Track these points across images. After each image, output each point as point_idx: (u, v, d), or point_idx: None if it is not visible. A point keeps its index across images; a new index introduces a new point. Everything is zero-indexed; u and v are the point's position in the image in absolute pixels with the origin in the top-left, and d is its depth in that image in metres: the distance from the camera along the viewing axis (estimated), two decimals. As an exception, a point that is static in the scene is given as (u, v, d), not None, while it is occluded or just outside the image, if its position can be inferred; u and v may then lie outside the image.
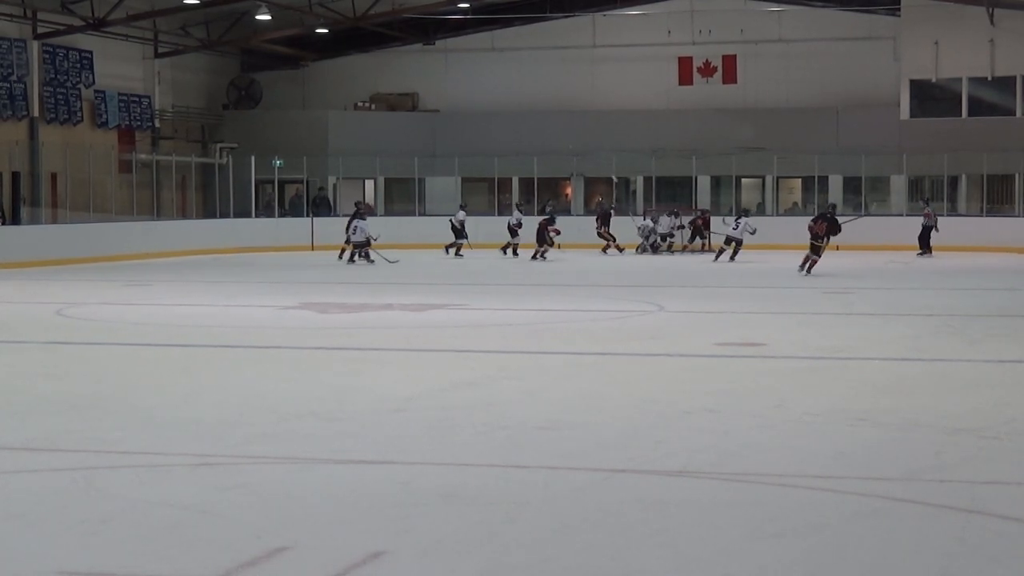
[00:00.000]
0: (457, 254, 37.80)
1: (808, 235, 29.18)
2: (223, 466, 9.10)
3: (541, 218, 37.55)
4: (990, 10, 40.72)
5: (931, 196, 42.87)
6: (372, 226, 34.25)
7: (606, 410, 11.13)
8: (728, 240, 34.36)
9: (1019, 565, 6.64)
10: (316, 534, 7.22)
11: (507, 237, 37.66)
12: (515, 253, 37.39)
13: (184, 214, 43.70)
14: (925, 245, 36.86)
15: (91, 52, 40.69)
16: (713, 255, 35.24)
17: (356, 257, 34.12)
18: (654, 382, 13.07)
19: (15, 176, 37.71)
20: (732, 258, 33.63)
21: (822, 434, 10.11)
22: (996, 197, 42.07)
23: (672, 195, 44.25)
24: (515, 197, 45.69)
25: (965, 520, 7.53)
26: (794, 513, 7.70)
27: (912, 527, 7.40)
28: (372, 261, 33.37)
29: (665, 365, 14.56)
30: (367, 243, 33.75)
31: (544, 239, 36.05)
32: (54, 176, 38.37)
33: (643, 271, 30.09)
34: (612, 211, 40.38)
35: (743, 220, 34.39)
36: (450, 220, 38.66)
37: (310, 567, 6.65)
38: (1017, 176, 42.11)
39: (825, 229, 28.98)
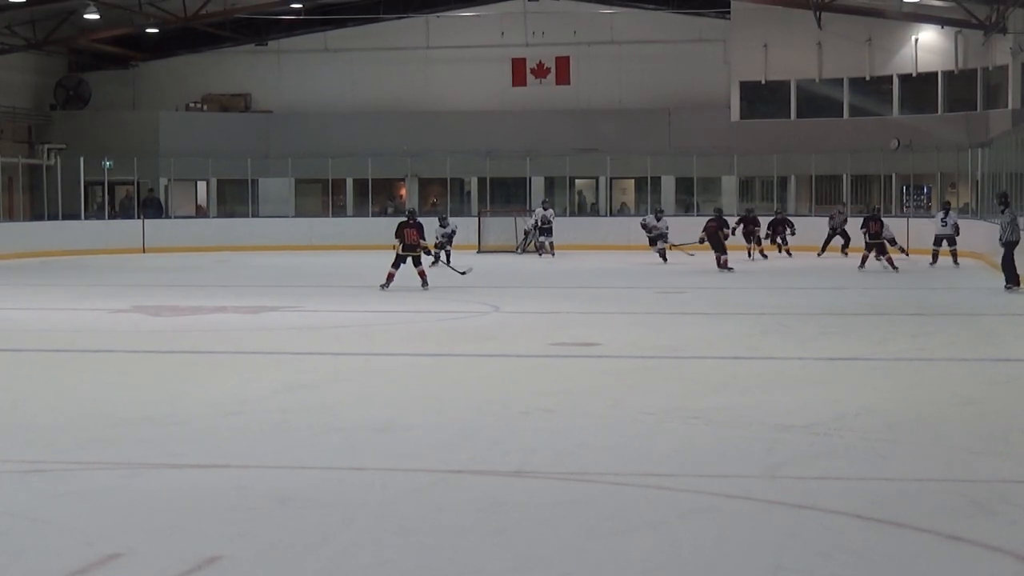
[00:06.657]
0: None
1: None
2: (54, 472, 8.93)
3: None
4: (817, 14, 41.44)
5: (763, 196, 43.62)
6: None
7: (443, 411, 11.12)
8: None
9: (848, 559, 6.75)
10: (150, 540, 7.11)
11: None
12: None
13: (11, 216, 42.84)
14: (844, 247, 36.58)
15: (-88, 51, 39.82)
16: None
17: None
18: (490, 383, 13.09)
19: None
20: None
21: (657, 433, 10.20)
22: (824, 197, 42.82)
23: (507, 196, 44.39)
24: (349, 198, 45.78)
25: (796, 515, 7.65)
26: (630, 511, 7.75)
27: (745, 523, 7.49)
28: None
29: (501, 366, 14.60)
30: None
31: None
32: None
33: (479, 272, 29.99)
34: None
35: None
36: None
37: (144, 573, 6.55)
38: (845, 176, 42.91)
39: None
